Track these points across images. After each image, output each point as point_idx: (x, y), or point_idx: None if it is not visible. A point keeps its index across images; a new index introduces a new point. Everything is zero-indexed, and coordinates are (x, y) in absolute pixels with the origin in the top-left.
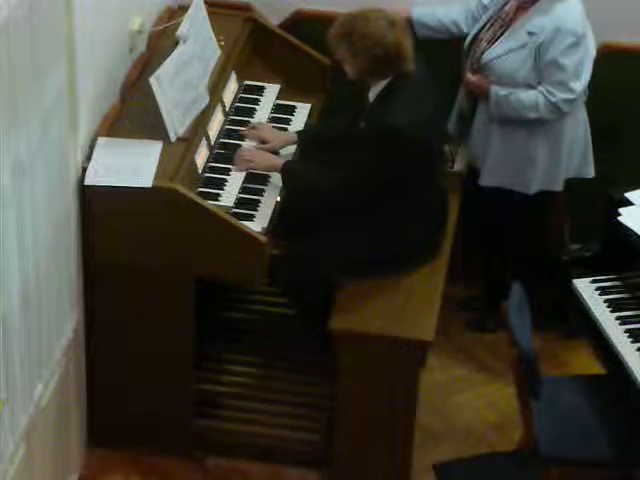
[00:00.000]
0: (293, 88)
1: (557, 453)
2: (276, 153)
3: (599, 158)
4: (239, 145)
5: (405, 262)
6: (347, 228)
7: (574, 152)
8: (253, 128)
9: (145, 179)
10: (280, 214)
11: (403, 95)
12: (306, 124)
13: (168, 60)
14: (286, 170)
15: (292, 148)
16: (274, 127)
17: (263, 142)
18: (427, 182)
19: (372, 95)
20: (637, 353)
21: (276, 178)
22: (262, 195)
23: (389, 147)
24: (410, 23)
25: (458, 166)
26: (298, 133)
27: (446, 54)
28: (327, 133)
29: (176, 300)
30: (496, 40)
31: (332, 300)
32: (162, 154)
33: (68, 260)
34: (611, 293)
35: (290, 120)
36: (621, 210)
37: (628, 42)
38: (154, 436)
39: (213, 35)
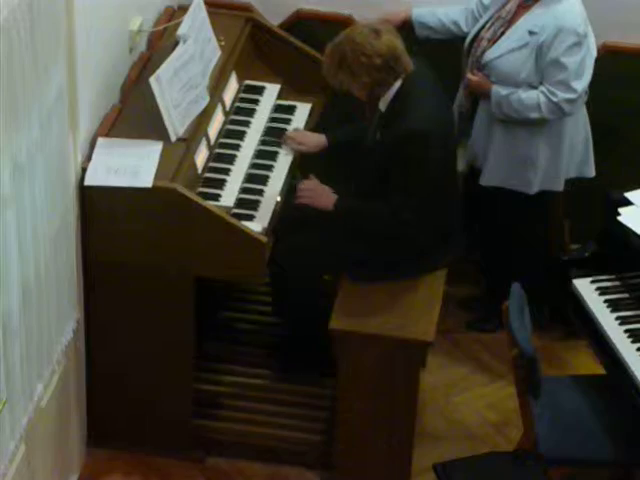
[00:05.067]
0: (293, 88)
1: (557, 453)
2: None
3: (599, 158)
4: (239, 145)
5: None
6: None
7: (575, 152)
8: (289, 137)
9: (145, 179)
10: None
11: (414, 98)
12: (307, 123)
13: (168, 60)
14: (348, 212)
15: None
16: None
17: (300, 144)
18: (452, 180)
19: (383, 105)
20: (637, 353)
21: (276, 179)
22: (262, 195)
23: (422, 150)
24: (410, 23)
25: (459, 166)
26: (327, 137)
27: (446, 54)
28: (357, 141)
29: (176, 300)
30: (497, 39)
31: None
32: (162, 154)
33: (68, 260)
34: (611, 293)
35: (290, 120)
36: (621, 210)
37: (628, 42)
38: (154, 436)
39: (213, 35)
